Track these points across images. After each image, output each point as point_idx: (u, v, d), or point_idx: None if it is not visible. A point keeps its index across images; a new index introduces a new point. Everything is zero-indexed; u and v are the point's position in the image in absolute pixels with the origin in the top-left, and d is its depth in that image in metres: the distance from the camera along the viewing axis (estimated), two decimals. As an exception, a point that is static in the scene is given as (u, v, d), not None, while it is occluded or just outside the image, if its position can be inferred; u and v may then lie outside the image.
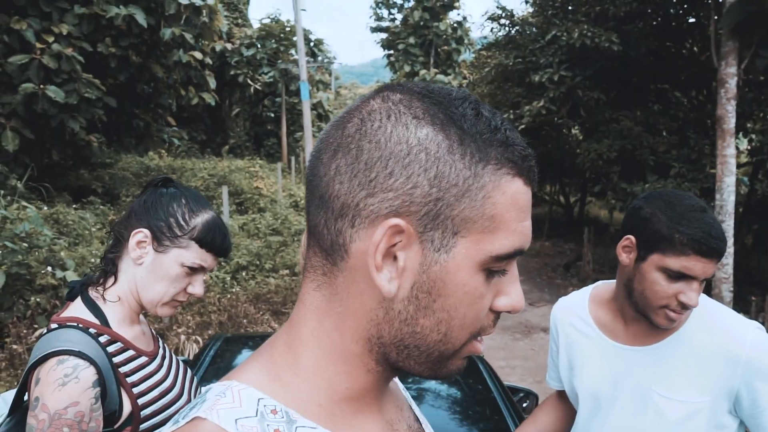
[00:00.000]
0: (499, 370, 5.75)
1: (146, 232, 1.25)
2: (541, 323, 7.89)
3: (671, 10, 9.76)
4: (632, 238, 1.35)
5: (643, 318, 1.37)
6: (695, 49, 10.07)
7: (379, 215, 0.55)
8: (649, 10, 9.48)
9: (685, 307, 1.28)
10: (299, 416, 0.59)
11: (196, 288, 1.30)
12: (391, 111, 0.57)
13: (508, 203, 0.57)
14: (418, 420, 0.77)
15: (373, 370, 0.62)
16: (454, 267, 0.56)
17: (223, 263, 7.84)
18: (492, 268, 0.58)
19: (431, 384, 2.57)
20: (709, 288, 7.29)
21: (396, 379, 0.81)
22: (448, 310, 0.58)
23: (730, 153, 7.09)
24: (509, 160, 0.57)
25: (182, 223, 1.26)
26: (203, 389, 0.63)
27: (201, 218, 1.28)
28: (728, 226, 7.13)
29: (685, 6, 9.57)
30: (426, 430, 0.78)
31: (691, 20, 9.83)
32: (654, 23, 9.91)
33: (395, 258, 0.56)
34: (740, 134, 9.58)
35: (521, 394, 3.05)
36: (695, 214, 1.26)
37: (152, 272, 1.25)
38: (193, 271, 1.29)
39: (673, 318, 1.30)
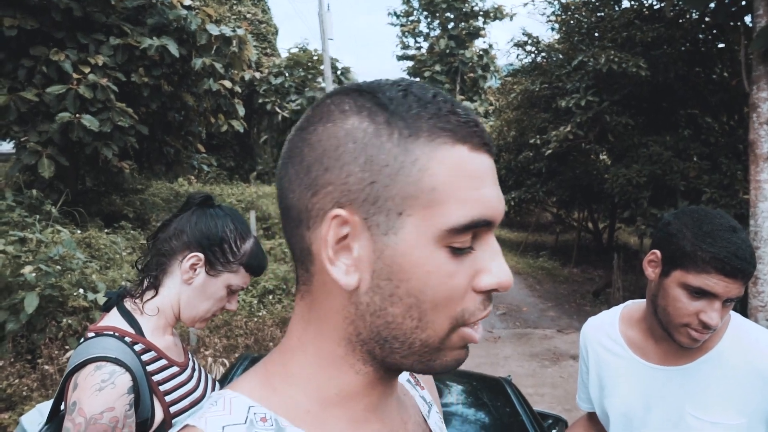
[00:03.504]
0: (528, 398, 5.63)
1: (200, 256, 1.30)
2: (570, 350, 7.74)
3: (700, 36, 9.70)
4: (658, 252, 1.34)
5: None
6: (725, 74, 9.96)
7: (324, 210, 0.56)
8: (677, 36, 9.43)
9: (706, 327, 1.25)
10: (288, 424, 0.59)
11: (233, 305, 1.39)
12: (322, 113, 0.58)
13: (451, 172, 0.55)
14: None
15: (362, 371, 0.61)
16: (406, 248, 0.55)
17: (249, 288, 7.90)
18: (454, 244, 0.55)
19: (458, 407, 2.54)
20: (745, 316, 7.09)
21: (416, 391, 0.80)
22: (414, 295, 0.56)
23: (764, 178, 6.95)
24: (443, 129, 0.56)
25: (235, 249, 1.33)
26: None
27: (248, 244, 1.36)
28: (763, 253, 6.96)
29: (714, 31, 9.51)
30: None
31: (721, 45, 9.75)
32: (682, 48, 9.84)
33: (352, 250, 0.57)
34: (774, 159, 9.40)
35: (550, 421, 3.00)
36: (722, 233, 1.23)
37: (200, 293, 1.32)
38: (235, 291, 1.37)
39: (695, 337, 1.27)
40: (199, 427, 0.56)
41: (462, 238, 0.55)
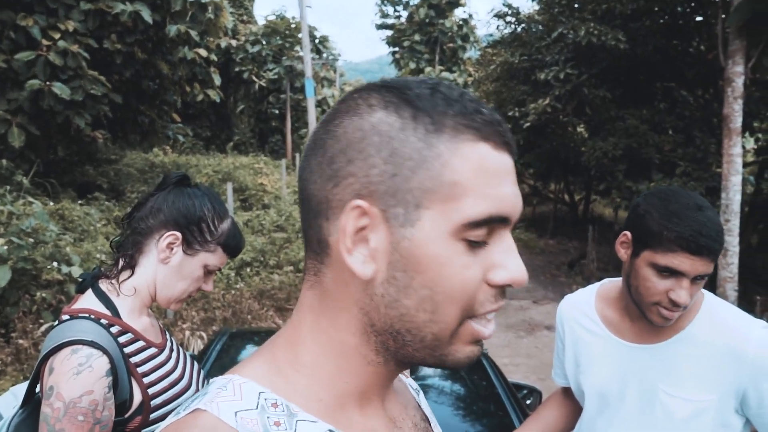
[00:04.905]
0: (503, 368, 5.74)
1: (178, 234, 1.29)
2: (545, 321, 7.88)
3: (678, 9, 9.71)
4: (628, 234, 1.36)
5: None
6: (702, 47, 10.02)
7: (345, 202, 0.57)
8: (656, 9, 9.44)
9: (675, 305, 1.27)
10: (300, 410, 0.59)
11: (209, 285, 1.38)
12: (350, 107, 0.59)
13: (473, 168, 0.56)
14: (426, 419, 0.77)
15: (374, 361, 0.62)
16: (423, 240, 0.56)
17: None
18: (469, 238, 0.56)
19: (435, 380, 2.58)
20: (714, 287, 7.28)
21: (404, 378, 0.82)
22: (429, 287, 0.56)
23: (737, 152, 7.06)
24: (468, 127, 0.57)
25: (212, 228, 1.32)
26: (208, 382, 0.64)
27: (226, 224, 1.35)
28: (734, 225, 7.11)
29: (693, 4, 9.53)
30: (435, 431, 0.77)
31: (699, 19, 9.78)
32: (661, 21, 9.86)
33: (369, 241, 0.57)
34: (747, 133, 9.55)
35: (525, 391, 3.06)
36: (688, 212, 1.25)
37: (177, 272, 1.30)
38: (211, 271, 1.36)
39: (666, 316, 1.30)
40: (211, 412, 0.56)
41: (477, 232, 0.56)
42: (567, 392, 1.74)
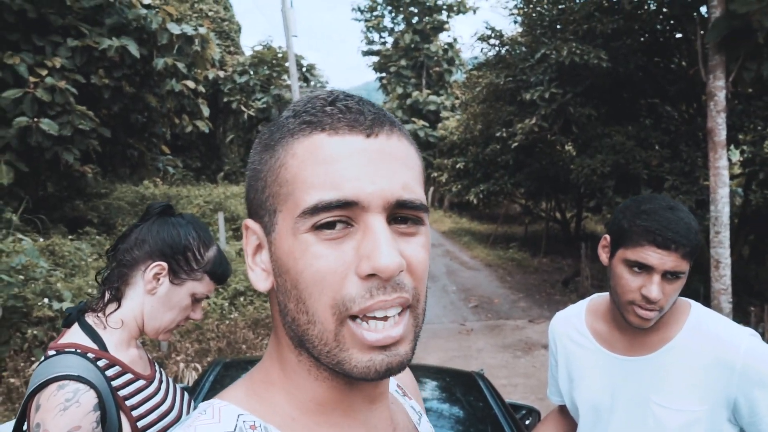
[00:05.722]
0: (501, 389, 5.69)
1: (164, 264, 1.29)
2: (542, 340, 7.85)
3: (658, 27, 9.88)
4: (608, 237, 1.40)
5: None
6: (683, 63, 10.17)
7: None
8: (636, 27, 9.60)
9: (648, 302, 1.29)
10: (277, 431, 0.60)
11: (197, 314, 1.38)
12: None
13: (303, 159, 0.57)
14: None
15: (320, 377, 0.61)
16: (281, 241, 0.58)
17: (220, 290, 7.82)
18: (316, 225, 0.55)
19: (432, 403, 2.55)
20: (708, 299, 7.28)
21: (406, 400, 0.81)
22: (294, 284, 0.57)
23: (723, 165, 7.13)
24: (304, 123, 0.58)
25: (198, 257, 1.33)
26: None
27: (212, 252, 1.36)
28: (724, 237, 7.14)
29: (672, 22, 9.70)
30: None
31: (678, 36, 9.95)
32: (641, 39, 10.01)
33: (262, 256, 0.62)
34: (732, 146, 9.65)
35: (523, 411, 3.03)
36: (659, 210, 1.29)
37: (164, 303, 1.30)
38: (199, 300, 1.36)
39: (642, 315, 1.31)
40: None
41: (315, 220, 0.55)
42: (563, 410, 1.74)
